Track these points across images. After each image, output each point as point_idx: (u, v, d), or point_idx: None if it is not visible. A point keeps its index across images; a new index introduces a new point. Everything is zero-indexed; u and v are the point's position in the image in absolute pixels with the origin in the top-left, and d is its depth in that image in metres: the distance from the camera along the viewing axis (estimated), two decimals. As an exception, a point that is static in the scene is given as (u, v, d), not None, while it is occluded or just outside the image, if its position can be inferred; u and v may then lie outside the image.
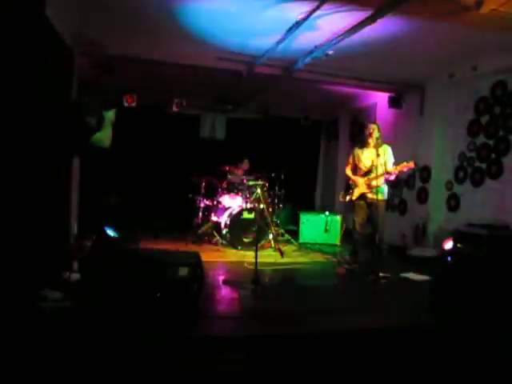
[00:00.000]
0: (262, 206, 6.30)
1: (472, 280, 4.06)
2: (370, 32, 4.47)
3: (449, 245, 4.92)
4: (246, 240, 6.29)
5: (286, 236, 7.01)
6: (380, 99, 7.44)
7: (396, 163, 5.05)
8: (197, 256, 3.46)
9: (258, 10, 4.32)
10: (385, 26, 4.45)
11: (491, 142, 5.50)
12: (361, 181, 5.18)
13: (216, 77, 6.66)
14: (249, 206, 6.45)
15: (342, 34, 4.61)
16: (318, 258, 6.05)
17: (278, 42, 5.00)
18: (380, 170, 4.98)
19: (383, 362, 2.95)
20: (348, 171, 5.41)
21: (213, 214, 6.84)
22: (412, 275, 4.90)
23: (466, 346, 3.11)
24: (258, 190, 6.41)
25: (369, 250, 5.22)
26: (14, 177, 2.97)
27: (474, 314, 3.58)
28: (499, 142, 5.37)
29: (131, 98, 6.73)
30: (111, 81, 6.17)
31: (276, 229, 6.81)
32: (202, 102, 8.32)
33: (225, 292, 4.07)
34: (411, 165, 4.91)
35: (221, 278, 4.52)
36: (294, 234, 7.19)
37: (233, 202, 6.71)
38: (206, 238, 6.67)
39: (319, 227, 7.14)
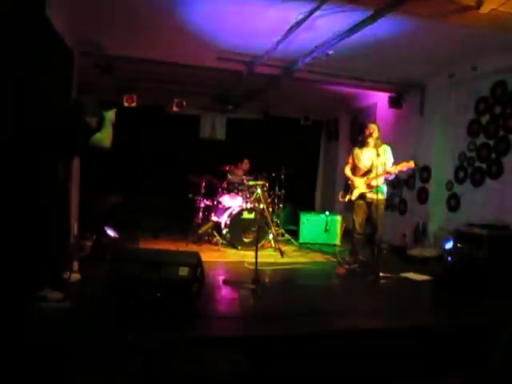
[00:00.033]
0: (262, 205, 6.29)
1: (472, 280, 4.07)
2: (369, 32, 4.47)
3: (449, 245, 4.92)
4: (246, 240, 6.28)
5: (286, 236, 7.00)
6: (380, 99, 7.44)
7: (396, 163, 5.04)
8: (197, 256, 3.45)
9: (258, 10, 4.33)
10: (385, 26, 4.45)
11: (491, 142, 5.50)
12: (360, 181, 5.18)
13: (216, 77, 6.66)
14: (249, 205, 6.45)
15: (341, 34, 4.61)
16: (318, 258, 6.03)
17: (278, 42, 5.00)
18: (380, 170, 4.99)
19: (383, 361, 2.96)
20: (347, 171, 5.40)
21: (213, 214, 6.83)
22: (412, 275, 4.89)
23: (466, 346, 3.12)
24: (258, 190, 6.41)
25: (369, 250, 5.23)
26: (14, 177, 2.98)
27: (473, 313, 3.59)
28: (499, 141, 5.37)
29: (131, 98, 6.74)
30: (111, 81, 6.18)
31: (276, 229, 6.80)
32: (201, 102, 8.31)
33: (225, 292, 4.07)
34: (411, 165, 4.91)
35: (221, 277, 4.52)
36: (294, 233, 7.17)
37: (233, 202, 6.71)
38: (206, 237, 6.66)
39: (319, 227, 7.13)
